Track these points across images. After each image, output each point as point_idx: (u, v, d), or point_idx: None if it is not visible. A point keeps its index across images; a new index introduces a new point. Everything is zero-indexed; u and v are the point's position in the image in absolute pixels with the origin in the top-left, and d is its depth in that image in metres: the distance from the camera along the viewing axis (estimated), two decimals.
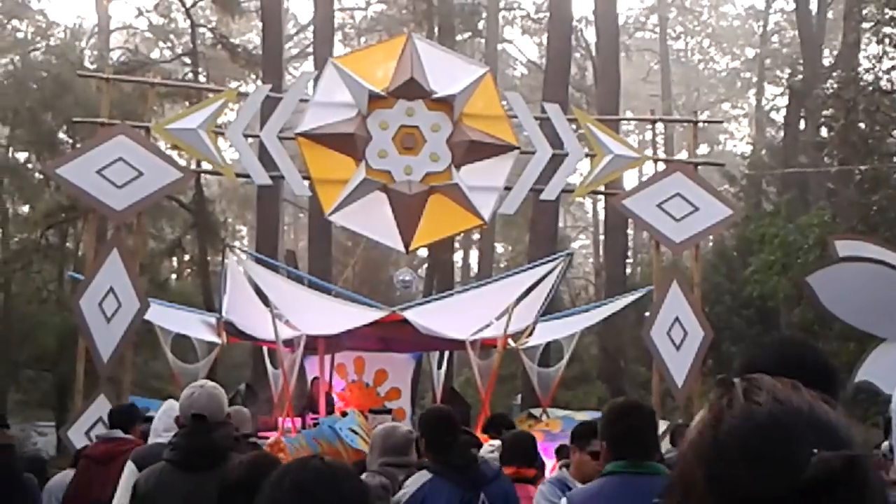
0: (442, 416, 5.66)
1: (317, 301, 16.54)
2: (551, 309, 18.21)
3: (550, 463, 9.55)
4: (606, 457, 4.05)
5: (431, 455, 5.40)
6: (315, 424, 14.19)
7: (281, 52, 31.09)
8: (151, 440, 6.29)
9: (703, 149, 49.71)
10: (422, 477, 5.24)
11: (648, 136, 52.26)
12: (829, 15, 36.83)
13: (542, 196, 15.06)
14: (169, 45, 40.63)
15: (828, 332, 18.93)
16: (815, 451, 1.24)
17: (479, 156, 13.72)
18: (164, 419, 6.27)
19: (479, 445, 7.56)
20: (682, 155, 36.32)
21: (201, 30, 34.92)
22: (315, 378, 16.84)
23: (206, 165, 14.79)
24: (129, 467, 5.89)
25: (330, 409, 15.88)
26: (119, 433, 7.31)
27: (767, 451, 1.25)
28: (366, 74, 13.72)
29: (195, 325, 18.16)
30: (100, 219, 15.05)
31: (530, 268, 17.15)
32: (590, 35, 40.11)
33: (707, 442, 1.31)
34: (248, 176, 14.45)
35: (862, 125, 21.23)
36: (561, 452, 8.11)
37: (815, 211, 22.27)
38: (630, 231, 35.08)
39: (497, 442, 5.97)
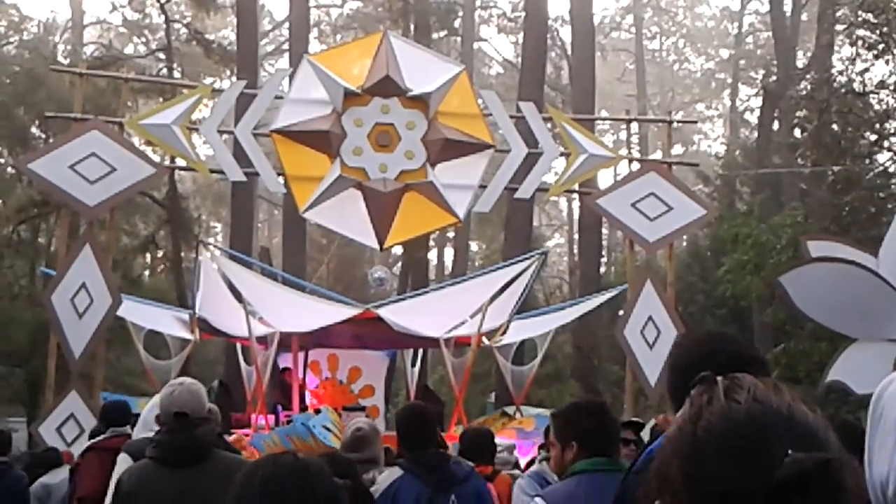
0: (417, 413, 5.66)
1: (291, 298, 16.52)
2: (525, 307, 18.25)
3: (525, 460, 9.57)
4: (577, 455, 4.03)
5: (405, 451, 5.40)
6: (288, 421, 14.17)
7: (256, 49, 30.98)
8: (142, 434, 6.27)
9: (677, 149, 49.87)
10: (393, 473, 5.24)
11: (623, 135, 52.35)
12: (804, 17, 37.03)
13: (517, 195, 15.09)
14: (143, 40, 40.53)
15: (800, 332, 19.02)
16: (790, 451, 1.24)
17: (454, 154, 13.72)
18: (152, 413, 6.26)
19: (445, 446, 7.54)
20: (657, 155, 36.44)
21: (176, 25, 34.81)
22: (286, 368, 16.80)
23: (180, 161, 14.71)
24: (125, 459, 5.88)
25: (303, 407, 15.84)
26: (129, 430, 7.34)
27: (743, 450, 1.26)
28: (341, 72, 13.70)
29: (168, 322, 18.08)
30: (72, 214, 14.98)
31: (505, 266, 17.20)
32: (565, 34, 40.21)
33: (685, 437, 1.32)
34: (222, 172, 14.41)
35: (835, 126, 21.33)
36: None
37: (787, 211, 22.36)
38: (604, 230, 35.19)
39: (508, 442, 5.90)
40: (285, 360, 17.18)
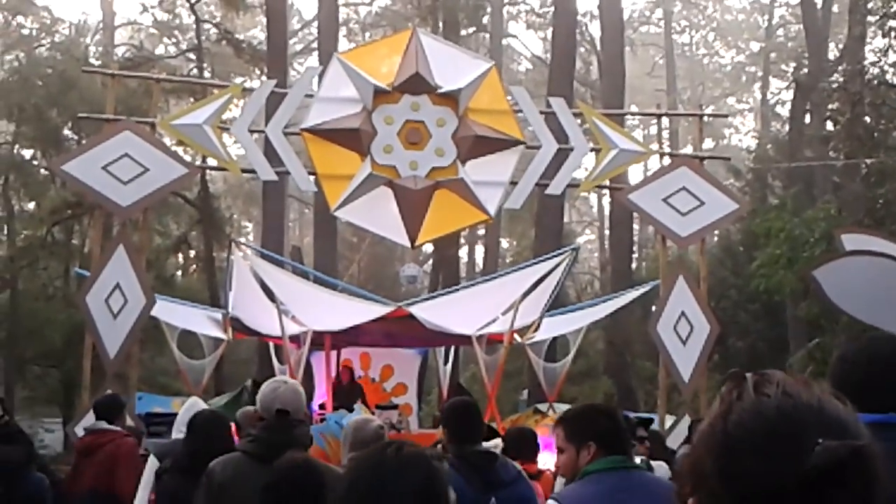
0: (466, 408, 5.60)
1: (323, 297, 16.55)
2: (557, 304, 18.21)
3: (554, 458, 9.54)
4: (594, 456, 3.98)
5: (451, 445, 5.34)
6: (322, 420, 14.20)
7: (285, 48, 31.08)
8: (175, 435, 6.31)
9: (708, 143, 49.58)
10: None
11: (653, 130, 52.15)
12: (835, 8, 36.73)
13: (548, 191, 15.04)
14: (174, 40, 40.73)
15: (834, 327, 18.89)
16: (821, 441, 1.24)
17: (485, 150, 13.70)
18: (187, 416, 6.30)
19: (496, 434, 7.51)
20: (688, 149, 36.22)
21: (206, 25, 34.94)
22: (345, 366, 16.95)
23: (211, 161, 14.77)
24: (152, 461, 5.91)
25: (336, 405, 15.84)
26: (104, 424, 7.33)
27: (775, 445, 1.27)
28: (371, 69, 13.70)
29: (201, 321, 18.18)
30: (106, 215, 15.08)
31: (536, 263, 17.14)
32: (594, 30, 40.12)
33: (717, 434, 1.32)
34: (253, 171, 14.45)
35: (868, 119, 21.17)
36: None
37: (820, 205, 22.22)
38: (636, 226, 35.05)
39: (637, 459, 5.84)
40: (318, 359, 17.24)
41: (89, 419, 12.03)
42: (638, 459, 5.58)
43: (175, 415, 12.31)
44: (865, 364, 2.80)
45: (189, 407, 6.40)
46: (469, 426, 5.37)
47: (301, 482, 3.97)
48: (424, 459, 2.52)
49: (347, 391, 16.23)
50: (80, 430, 11.88)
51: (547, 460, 7.83)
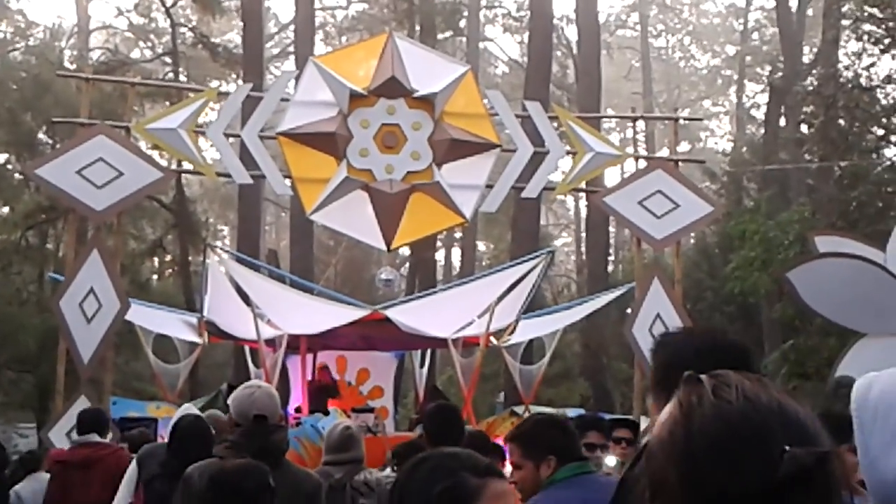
0: (446, 412, 5.63)
1: (299, 300, 16.54)
2: (533, 306, 18.25)
3: None
4: (555, 468, 4.01)
5: (432, 449, 5.35)
6: (297, 423, 14.18)
7: (262, 52, 31.01)
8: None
9: (683, 146, 49.84)
10: None
11: (629, 133, 52.21)
12: (809, 12, 36.95)
13: (524, 194, 15.07)
14: (149, 44, 40.60)
15: (809, 328, 19.00)
16: (787, 448, 1.24)
17: (461, 154, 13.72)
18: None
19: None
20: (664, 152, 36.33)
21: (182, 29, 34.83)
22: (324, 366, 16.92)
23: (186, 165, 14.74)
24: (132, 466, 5.89)
25: (312, 409, 15.82)
26: (96, 437, 7.26)
27: (740, 450, 1.26)
28: (347, 73, 13.70)
29: (176, 325, 18.11)
30: (80, 219, 14.99)
31: (512, 265, 17.18)
32: (571, 33, 40.27)
33: (678, 442, 1.31)
34: (228, 175, 14.42)
35: (841, 122, 21.32)
36: None
37: (795, 207, 22.34)
38: (612, 228, 35.15)
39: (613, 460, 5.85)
40: (293, 363, 17.21)
41: (64, 425, 12.01)
42: (613, 461, 5.60)
43: (151, 418, 12.30)
44: (691, 360, 2.76)
45: (183, 412, 6.37)
46: (449, 430, 5.39)
47: (242, 484, 3.97)
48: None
49: (323, 391, 16.24)
50: (55, 438, 11.86)
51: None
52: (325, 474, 5.67)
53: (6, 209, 32.24)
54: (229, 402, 5.11)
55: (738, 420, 1.28)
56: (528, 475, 4.08)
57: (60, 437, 11.83)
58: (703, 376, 1.37)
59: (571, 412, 12.83)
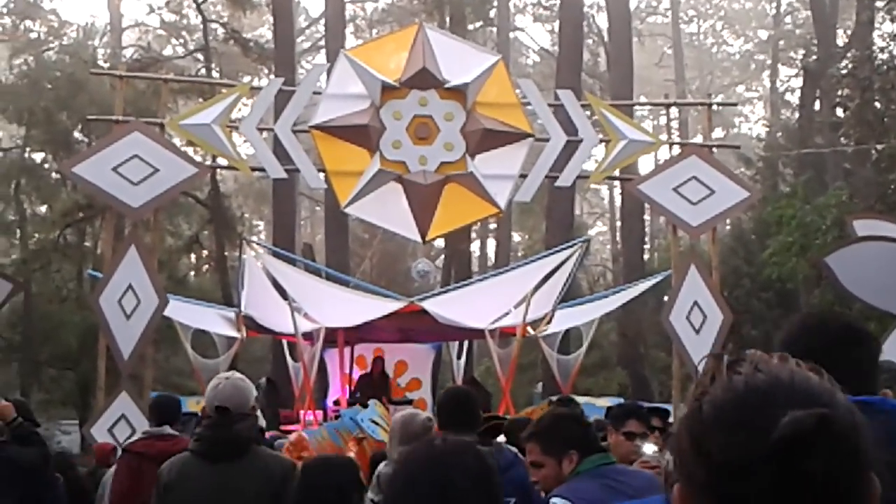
0: (458, 396, 5.58)
1: (335, 293, 16.59)
2: (569, 296, 18.20)
3: None
4: (577, 462, 4.02)
5: (445, 435, 5.33)
6: (336, 416, 14.22)
7: (293, 46, 31.12)
8: None
9: (717, 132, 49.50)
10: None
11: (663, 120, 52.09)
12: None
13: (558, 183, 15.01)
14: (181, 41, 40.79)
15: (848, 313, 18.83)
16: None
17: (494, 144, 13.69)
18: None
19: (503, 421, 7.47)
20: (697, 139, 36.20)
21: (213, 25, 34.98)
22: (378, 358, 16.97)
23: (221, 160, 14.79)
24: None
25: (351, 401, 15.86)
26: (168, 430, 7.22)
27: (743, 417, 1.27)
28: (378, 65, 13.70)
29: (214, 321, 18.23)
30: (117, 216, 15.09)
31: (547, 255, 17.16)
32: (602, 21, 40.09)
33: (693, 413, 1.33)
34: (263, 170, 14.44)
35: (877, 104, 21.12)
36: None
37: (832, 191, 22.18)
38: (647, 216, 35.02)
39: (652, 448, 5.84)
40: (331, 356, 17.27)
41: (106, 421, 12.12)
42: (651, 449, 5.58)
43: (191, 413, 12.36)
44: (800, 342, 2.76)
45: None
46: (462, 414, 5.35)
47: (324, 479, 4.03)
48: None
49: (377, 383, 16.24)
50: (98, 434, 11.94)
51: None
52: None
53: (44, 208, 32.57)
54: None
55: (742, 389, 1.29)
56: (551, 472, 4.08)
57: (102, 433, 11.92)
58: (725, 355, 1.39)
59: (610, 401, 12.82)
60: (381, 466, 5.96)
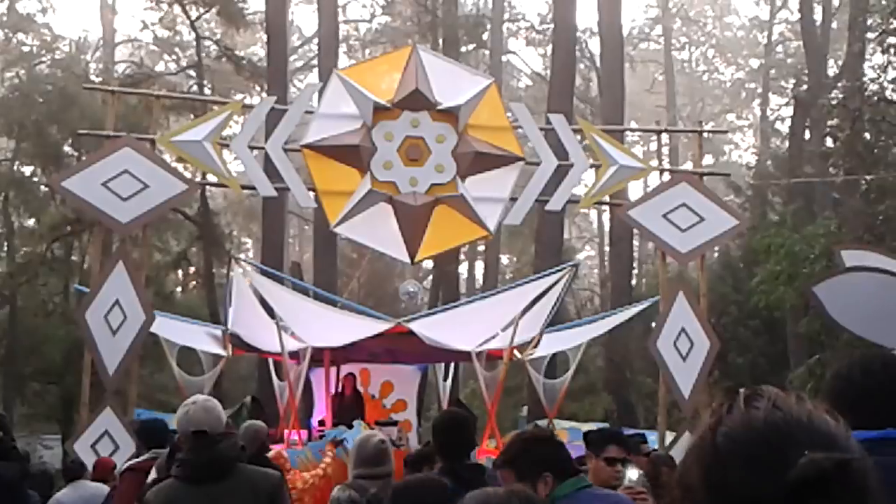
0: (457, 421, 5.56)
1: (322, 313, 16.53)
2: (557, 320, 18.19)
3: None
4: (552, 485, 3.96)
5: (442, 460, 5.32)
6: (321, 437, 14.17)
7: (286, 65, 31.14)
8: None
9: (707, 159, 49.67)
10: None
11: (653, 146, 52.17)
12: (834, 25, 36.83)
13: (548, 207, 15.03)
14: (174, 57, 40.83)
15: (834, 343, 18.87)
16: (806, 453, 1.24)
17: (485, 167, 13.71)
18: None
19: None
20: (687, 166, 36.31)
21: (206, 42, 35.01)
22: (349, 374, 16.87)
23: (211, 178, 14.78)
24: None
25: (336, 422, 15.81)
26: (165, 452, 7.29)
27: (761, 456, 1.27)
28: (371, 86, 13.72)
29: (201, 338, 18.16)
30: (105, 231, 15.05)
31: (536, 279, 17.14)
32: (594, 46, 40.17)
33: (706, 446, 1.33)
34: (253, 188, 14.43)
35: (867, 135, 21.19)
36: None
37: (820, 221, 22.22)
38: (636, 242, 35.08)
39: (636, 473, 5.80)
40: (317, 376, 17.21)
41: (89, 437, 12.05)
42: (636, 474, 5.56)
43: (175, 431, 12.28)
44: (860, 380, 2.79)
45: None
46: (460, 440, 5.33)
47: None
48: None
49: (349, 405, 16.18)
50: (80, 450, 11.86)
51: None
52: (360, 489, 5.60)
53: (32, 221, 32.49)
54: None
55: (761, 426, 1.30)
56: (549, 486, 4.01)
57: (85, 448, 11.85)
58: (741, 389, 1.38)
59: (595, 427, 12.78)
60: (336, 491, 5.95)
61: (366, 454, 5.96)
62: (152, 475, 6.41)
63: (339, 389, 16.88)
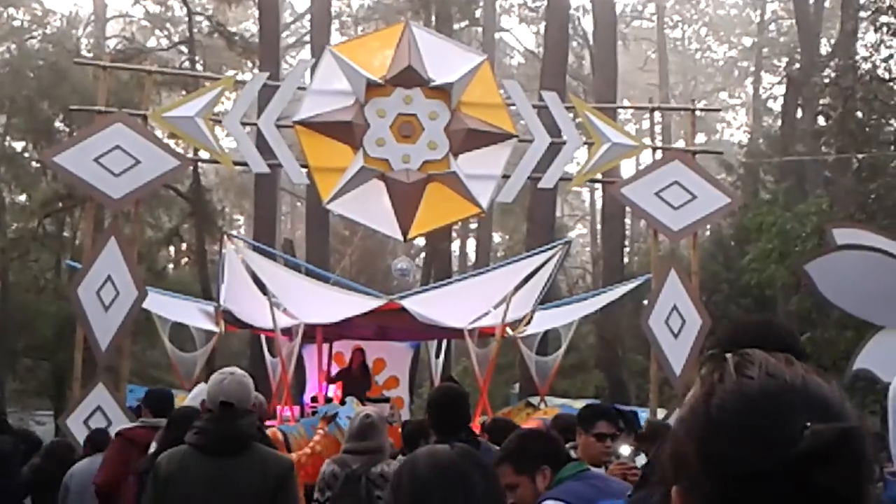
0: (452, 396, 5.58)
1: (315, 289, 16.56)
2: (549, 297, 18.23)
3: None
4: (552, 476, 4.04)
5: (436, 435, 5.35)
6: (313, 413, 14.20)
7: (278, 41, 31.05)
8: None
9: (700, 138, 49.59)
10: None
11: (646, 125, 52.15)
12: (827, 4, 36.77)
13: (540, 184, 15.05)
14: (165, 33, 40.65)
15: (826, 321, 18.93)
16: (808, 424, 1.22)
17: (477, 144, 13.70)
18: (195, 403, 6.29)
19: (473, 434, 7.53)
20: (680, 143, 36.30)
21: (198, 18, 34.87)
22: (359, 349, 16.88)
23: (203, 154, 14.76)
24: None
25: (328, 398, 15.84)
26: (163, 422, 7.33)
27: (759, 426, 1.24)
28: (363, 62, 13.69)
29: (193, 314, 18.17)
30: (97, 207, 15.01)
31: (528, 256, 17.18)
32: (587, 24, 40.13)
33: (698, 418, 1.29)
34: (245, 164, 14.41)
35: (859, 113, 21.19)
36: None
37: (812, 199, 22.26)
38: (628, 220, 35.10)
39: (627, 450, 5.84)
40: (309, 352, 17.24)
41: (81, 413, 12.06)
42: (628, 450, 5.60)
43: None
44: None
45: (196, 395, 6.38)
46: (454, 415, 5.36)
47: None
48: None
49: (357, 378, 16.18)
50: (73, 426, 11.87)
51: None
52: (342, 463, 5.67)
53: (23, 197, 32.37)
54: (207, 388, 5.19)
55: (758, 395, 1.26)
56: (527, 491, 4.07)
57: (78, 424, 11.87)
58: (727, 354, 1.36)
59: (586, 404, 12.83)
60: (323, 465, 5.99)
61: (352, 429, 6.04)
62: (152, 448, 6.41)
63: (348, 363, 16.85)
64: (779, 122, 36.21)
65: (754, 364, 1.31)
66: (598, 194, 42.30)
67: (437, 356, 19.81)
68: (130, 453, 6.83)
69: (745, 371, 1.30)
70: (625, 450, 5.69)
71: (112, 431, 9.82)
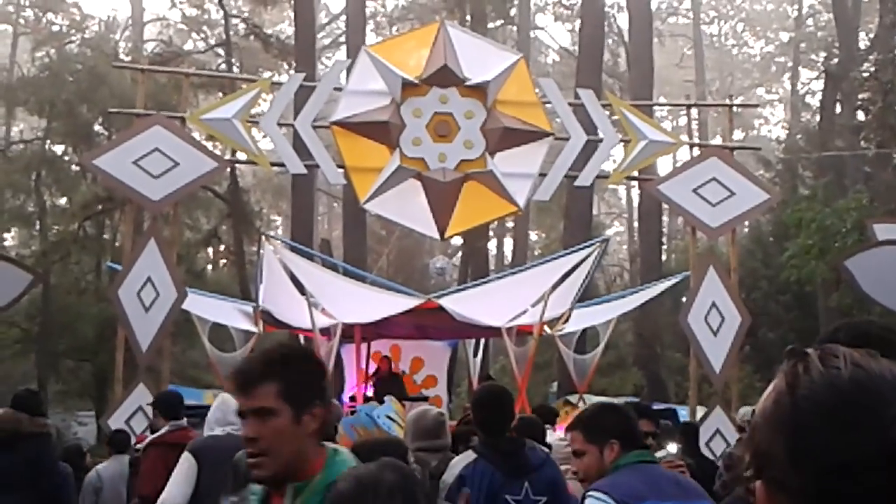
0: (495, 395, 5.57)
1: (352, 289, 16.59)
2: (587, 295, 18.18)
3: None
4: (618, 453, 4.08)
5: (481, 435, 5.34)
6: (352, 412, 14.24)
7: (314, 42, 31.16)
8: (206, 432, 6.28)
9: (737, 134, 49.33)
10: (466, 458, 5.13)
11: (682, 121, 51.99)
12: None
13: (577, 182, 14.99)
14: (202, 36, 40.89)
15: (866, 317, 18.77)
16: None
17: (513, 142, 13.68)
18: (217, 413, 6.26)
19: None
20: (717, 140, 36.11)
21: (234, 20, 35.08)
22: (383, 357, 16.96)
23: (240, 155, 14.83)
24: (188, 459, 5.90)
25: (367, 397, 15.87)
26: (184, 423, 7.41)
27: (853, 417, 1.22)
28: (399, 62, 13.71)
29: (232, 315, 18.27)
30: (136, 209, 15.13)
31: (565, 254, 17.12)
32: (622, 21, 40.03)
33: (784, 411, 1.27)
34: (282, 165, 14.48)
35: None
36: None
37: (852, 195, 22.08)
38: (665, 217, 34.94)
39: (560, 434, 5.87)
40: (348, 352, 17.29)
41: (123, 413, 12.17)
42: (675, 448, 5.60)
43: (207, 407, 12.39)
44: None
45: (220, 403, 6.36)
46: (499, 414, 5.34)
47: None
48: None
49: (389, 381, 16.21)
50: (115, 426, 11.97)
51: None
52: (422, 462, 5.59)
53: (64, 200, 32.69)
54: None
55: (848, 386, 1.24)
56: (593, 461, 4.14)
57: (119, 424, 11.94)
58: (808, 349, 1.34)
59: (626, 402, 12.78)
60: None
61: (425, 426, 5.93)
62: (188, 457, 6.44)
63: (375, 369, 16.92)
64: (817, 118, 35.90)
65: (838, 357, 1.29)
66: (635, 192, 42.18)
67: (475, 355, 19.81)
68: (168, 459, 6.86)
69: (830, 363, 1.29)
70: (672, 447, 5.70)
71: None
